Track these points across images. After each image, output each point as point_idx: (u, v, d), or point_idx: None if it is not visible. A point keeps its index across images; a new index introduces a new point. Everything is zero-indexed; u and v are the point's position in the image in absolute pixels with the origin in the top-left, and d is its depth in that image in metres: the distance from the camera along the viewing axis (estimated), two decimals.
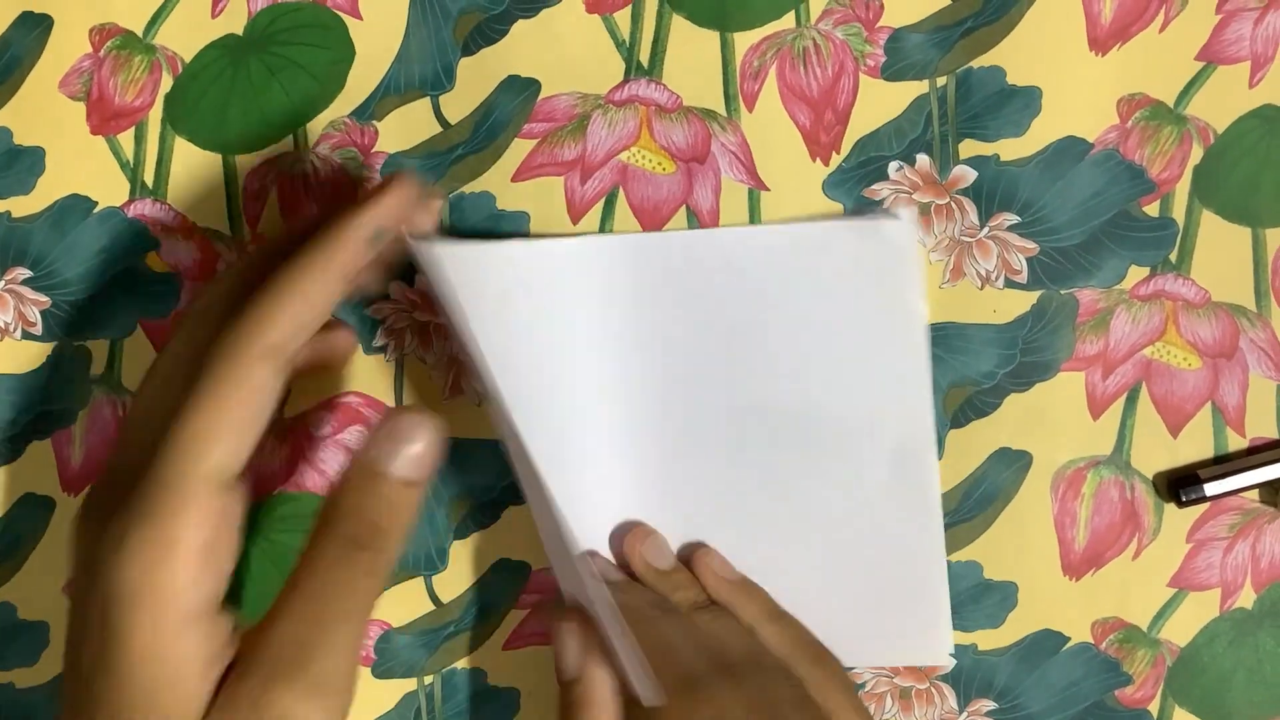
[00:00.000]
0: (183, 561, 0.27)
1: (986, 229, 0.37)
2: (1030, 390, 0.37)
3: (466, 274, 0.33)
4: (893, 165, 0.37)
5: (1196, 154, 0.37)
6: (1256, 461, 0.37)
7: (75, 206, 0.38)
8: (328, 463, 0.38)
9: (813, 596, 0.37)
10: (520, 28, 0.38)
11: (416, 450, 0.29)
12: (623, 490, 0.36)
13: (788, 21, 0.37)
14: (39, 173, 0.38)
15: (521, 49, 0.38)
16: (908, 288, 0.36)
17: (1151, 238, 0.37)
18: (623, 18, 0.38)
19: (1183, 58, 0.37)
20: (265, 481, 0.38)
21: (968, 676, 0.38)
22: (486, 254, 0.35)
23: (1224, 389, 0.37)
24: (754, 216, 0.38)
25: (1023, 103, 0.37)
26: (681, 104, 0.38)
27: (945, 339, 0.37)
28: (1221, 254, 0.37)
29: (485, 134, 0.38)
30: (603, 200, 0.38)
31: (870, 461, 0.36)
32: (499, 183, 0.38)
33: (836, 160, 0.37)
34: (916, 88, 0.37)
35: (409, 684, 0.39)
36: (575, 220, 0.38)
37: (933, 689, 0.38)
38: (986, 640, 0.38)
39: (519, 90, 0.38)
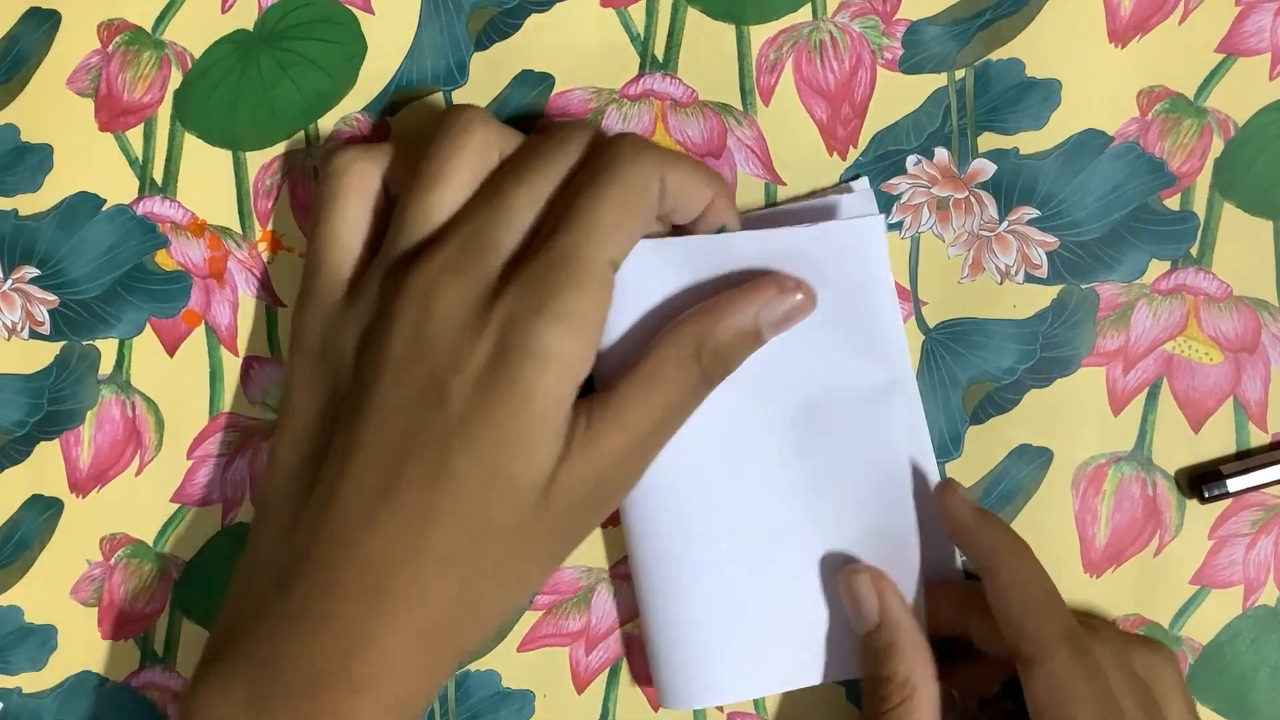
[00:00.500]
0: (593, 332, 0.31)
1: (1006, 223, 0.37)
2: (1050, 386, 0.37)
3: None
4: (911, 159, 0.37)
5: (1217, 147, 0.37)
6: (1279, 457, 0.36)
7: (83, 204, 0.38)
8: None
9: (821, 605, 0.36)
10: (534, 22, 0.37)
11: (789, 319, 0.33)
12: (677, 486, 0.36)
13: (804, 14, 0.37)
14: (46, 170, 0.38)
15: (535, 43, 0.37)
16: (882, 289, 0.35)
17: (1172, 231, 0.37)
18: (637, 11, 0.37)
19: (1203, 50, 0.37)
20: None
21: None
22: None
23: (1246, 384, 0.37)
24: (772, 203, 0.37)
25: (1042, 95, 0.37)
26: (697, 98, 0.37)
27: (964, 334, 0.37)
28: (1243, 247, 0.37)
29: None
30: None
31: (864, 465, 0.36)
32: None
33: (854, 154, 0.37)
34: (934, 81, 0.37)
35: None
36: None
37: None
38: None
39: (533, 85, 0.37)
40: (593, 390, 0.32)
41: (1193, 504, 0.37)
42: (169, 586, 0.38)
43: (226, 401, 0.38)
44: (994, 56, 0.37)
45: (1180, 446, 0.37)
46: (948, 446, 0.37)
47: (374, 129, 0.38)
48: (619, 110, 0.37)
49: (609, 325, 0.34)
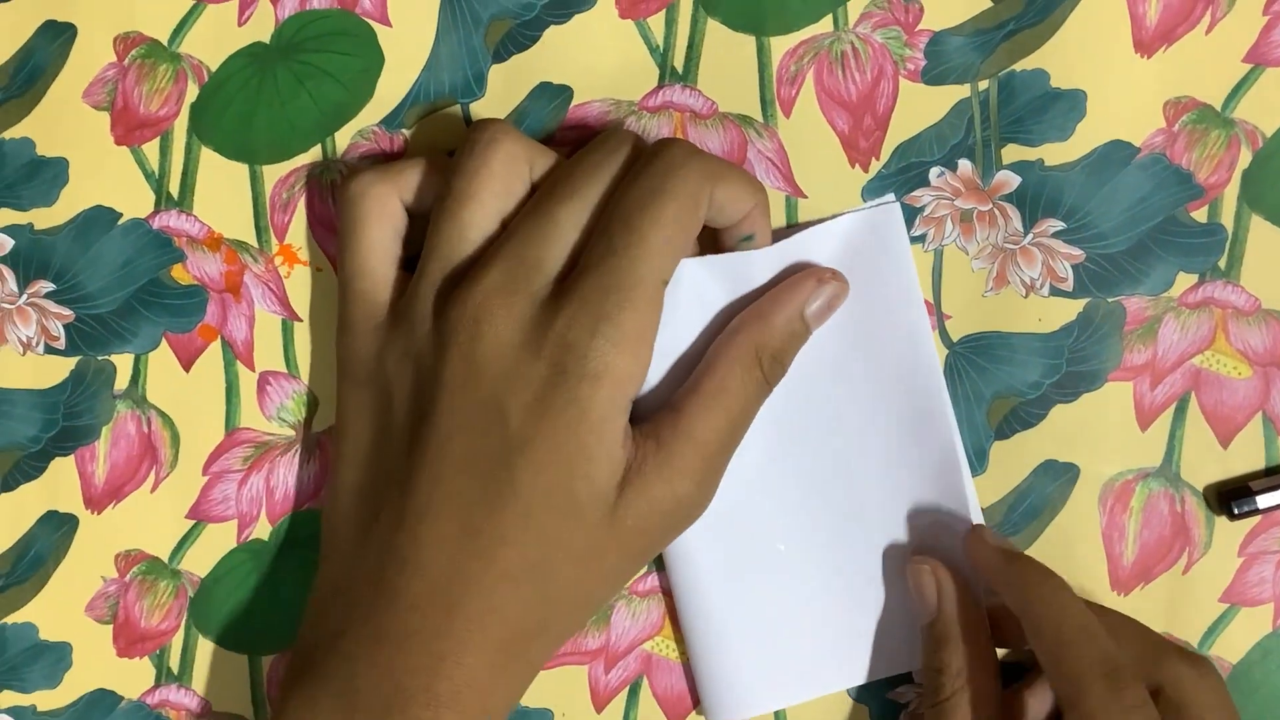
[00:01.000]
0: (647, 350, 0.31)
1: (1031, 236, 0.36)
2: (1077, 401, 0.36)
3: None
4: (934, 171, 0.37)
5: (1245, 158, 0.36)
6: None
7: (99, 218, 0.38)
8: None
9: (870, 591, 0.36)
10: (552, 34, 0.37)
11: (831, 308, 0.35)
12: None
13: (825, 25, 0.37)
14: (62, 184, 0.38)
15: (553, 55, 0.37)
16: (904, 271, 0.36)
17: (1200, 244, 0.36)
18: (656, 23, 0.37)
19: (1230, 60, 0.36)
20: (295, 497, 0.38)
21: None
22: None
23: (1275, 398, 0.36)
24: (791, 224, 0.37)
25: (1067, 106, 0.36)
26: (717, 110, 0.37)
27: (989, 349, 0.37)
28: (1272, 260, 0.36)
29: None
30: None
31: (899, 464, 0.36)
32: None
33: (876, 166, 0.37)
34: (958, 92, 0.36)
35: None
36: None
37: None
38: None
39: (551, 97, 0.37)
40: None
41: (1221, 520, 0.37)
42: (184, 604, 0.38)
43: (242, 417, 0.38)
44: (1018, 67, 0.36)
45: (1209, 462, 0.37)
46: (972, 462, 0.37)
47: (391, 142, 0.37)
48: (638, 122, 0.37)
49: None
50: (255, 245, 0.38)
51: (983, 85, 0.36)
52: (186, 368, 0.38)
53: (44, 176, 0.38)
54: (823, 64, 0.37)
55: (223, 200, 0.38)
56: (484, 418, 0.31)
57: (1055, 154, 0.36)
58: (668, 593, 0.37)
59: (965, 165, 0.36)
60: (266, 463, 0.38)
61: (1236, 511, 0.36)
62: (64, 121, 0.38)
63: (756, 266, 0.35)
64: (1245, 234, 0.36)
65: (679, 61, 0.37)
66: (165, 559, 0.38)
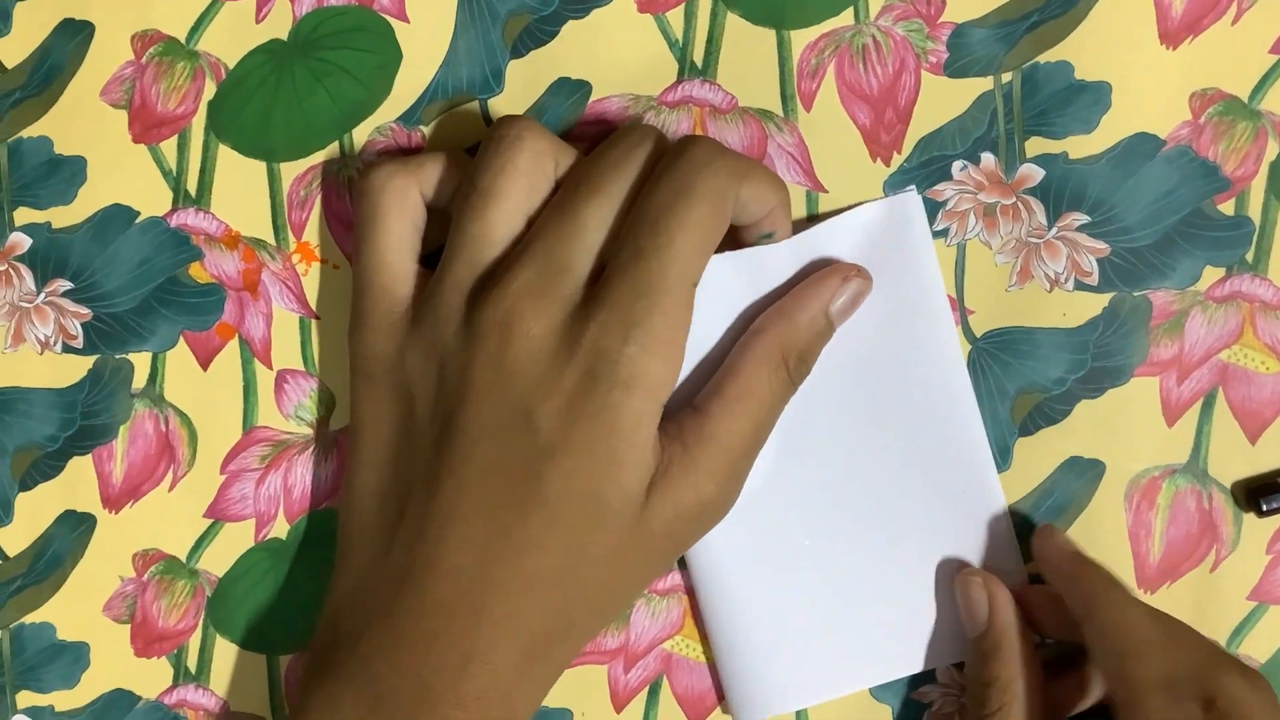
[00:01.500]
0: (679, 355, 0.31)
1: (1055, 230, 0.36)
2: (1102, 396, 0.36)
3: None
4: (956, 165, 0.36)
5: (1272, 150, 0.36)
6: None
7: (117, 217, 0.38)
8: None
9: (897, 595, 0.36)
10: (570, 29, 0.37)
11: (855, 304, 0.34)
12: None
13: (846, 18, 0.36)
14: (80, 183, 0.38)
15: (572, 51, 0.37)
16: (925, 262, 0.36)
17: (1227, 237, 0.36)
18: (675, 17, 0.37)
19: (1257, 51, 0.36)
20: (313, 495, 0.37)
21: None
22: None
23: None
24: (812, 219, 0.36)
25: (1091, 98, 0.36)
26: (737, 105, 0.37)
27: (1013, 344, 0.36)
28: None
29: None
30: None
31: (925, 459, 0.36)
32: None
33: (898, 160, 0.36)
34: (981, 84, 0.36)
35: None
36: None
37: None
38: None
39: (570, 93, 0.37)
40: None
41: (1250, 517, 0.36)
42: (202, 603, 0.38)
43: (260, 415, 0.38)
44: (1042, 59, 0.36)
45: (1237, 458, 0.36)
46: (996, 459, 0.36)
47: (409, 139, 0.37)
48: (657, 117, 0.37)
49: None
50: (273, 243, 0.37)
51: (1006, 78, 0.36)
52: (204, 366, 0.38)
53: (62, 175, 0.38)
54: (844, 57, 0.36)
55: (240, 198, 0.37)
56: (513, 422, 0.31)
57: (1080, 147, 0.36)
58: (688, 591, 0.37)
59: (988, 159, 0.36)
60: (284, 461, 0.38)
61: (1265, 508, 0.35)
62: (82, 120, 0.37)
63: (778, 260, 0.34)
64: (1273, 227, 0.36)
65: (698, 56, 0.37)
66: (183, 558, 0.38)
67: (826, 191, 0.36)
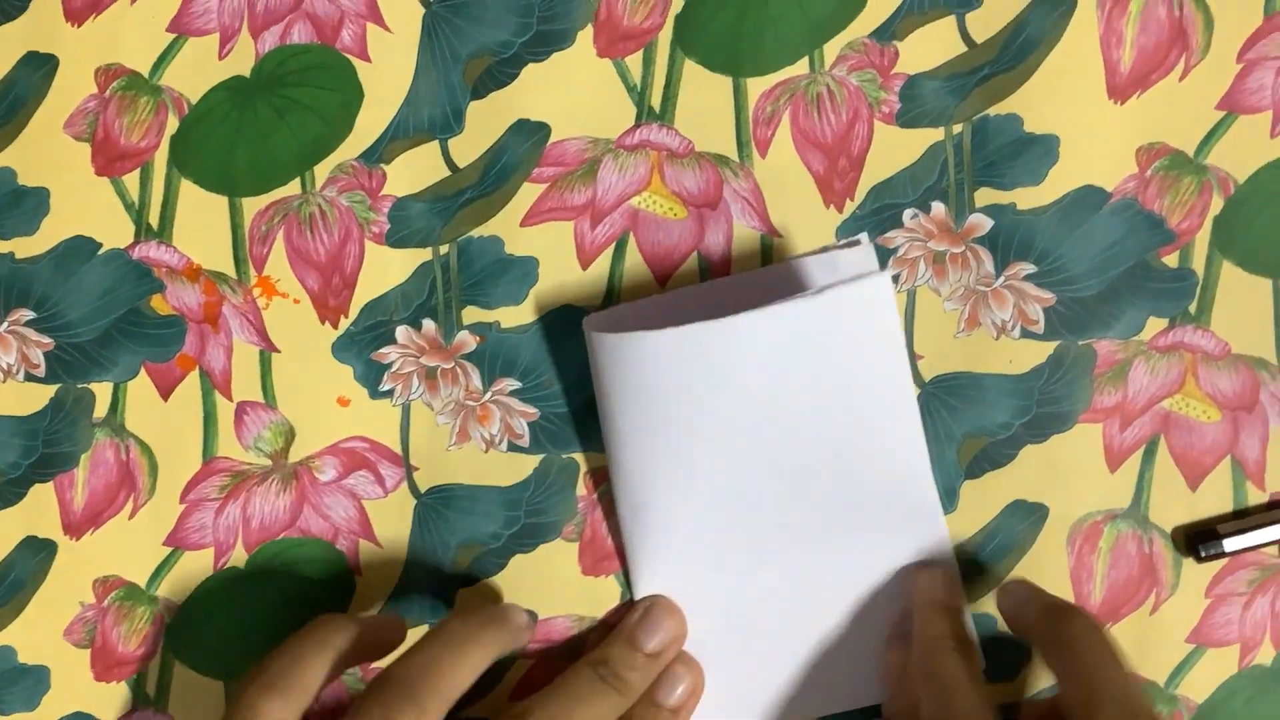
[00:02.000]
0: None
1: (1002, 278, 0.37)
2: (1047, 442, 0.37)
3: (617, 358, 0.35)
4: (907, 213, 0.37)
5: (1217, 204, 0.36)
6: (1277, 516, 0.36)
7: (79, 248, 0.38)
8: (333, 508, 0.38)
9: (845, 646, 0.37)
10: (530, 71, 0.37)
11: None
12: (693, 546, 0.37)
13: (801, 67, 0.37)
14: (43, 214, 0.38)
15: (532, 93, 0.37)
16: (891, 346, 0.35)
17: (1171, 288, 0.37)
18: (634, 62, 0.37)
19: (1203, 107, 0.36)
20: (271, 525, 0.38)
21: None
22: (630, 342, 0.35)
23: (1244, 442, 0.37)
24: (766, 263, 0.37)
25: (1040, 151, 0.36)
26: (693, 149, 0.37)
27: (960, 389, 0.37)
28: (1242, 306, 0.36)
29: (494, 178, 0.37)
30: (613, 245, 0.37)
31: (879, 516, 0.36)
32: (508, 227, 0.37)
33: (850, 207, 0.37)
34: (932, 135, 0.37)
35: (424, 254, 0.38)
36: (585, 265, 0.37)
37: None
38: (1002, 694, 0.37)
39: (529, 134, 0.37)
40: None
41: (1189, 562, 0.37)
42: (161, 629, 0.38)
43: (220, 446, 0.38)
44: (992, 112, 0.36)
45: (1177, 504, 0.37)
46: (942, 501, 0.37)
47: (370, 176, 0.37)
48: (615, 160, 0.37)
49: (628, 412, 0.35)
50: (234, 276, 0.38)
51: (957, 129, 0.37)
52: (165, 397, 0.38)
53: (25, 206, 0.38)
54: (799, 105, 0.37)
55: (202, 232, 0.38)
56: None
57: (1028, 198, 0.36)
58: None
59: (939, 208, 0.37)
60: (243, 492, 0.38)
61: (1204, 554, 0.36)
62: (46, 152, 0.38)
63: (743, 332, 0.33)
64: (1216, 279, 0.37)
65: (656, 100, 0.37)
66: (143, 585, 0.38)
67: (781, 236, 0.37)
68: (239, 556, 0.38)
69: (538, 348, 0.37)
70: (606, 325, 0.36)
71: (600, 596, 0.38)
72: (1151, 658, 0.37)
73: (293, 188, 0.38)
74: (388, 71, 0.37)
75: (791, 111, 0.37)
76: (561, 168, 0.37)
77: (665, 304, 0.37)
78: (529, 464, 0.37)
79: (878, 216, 0.37)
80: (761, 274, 0.37)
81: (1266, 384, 0.37)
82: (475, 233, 0.37)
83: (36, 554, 0.38)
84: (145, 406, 0.38)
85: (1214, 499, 0.37)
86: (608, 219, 0.37)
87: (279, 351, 0.38)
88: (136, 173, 0.38)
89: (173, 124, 0.38)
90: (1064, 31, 0.36)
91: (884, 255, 0.37)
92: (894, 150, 0.37)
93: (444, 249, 0.37)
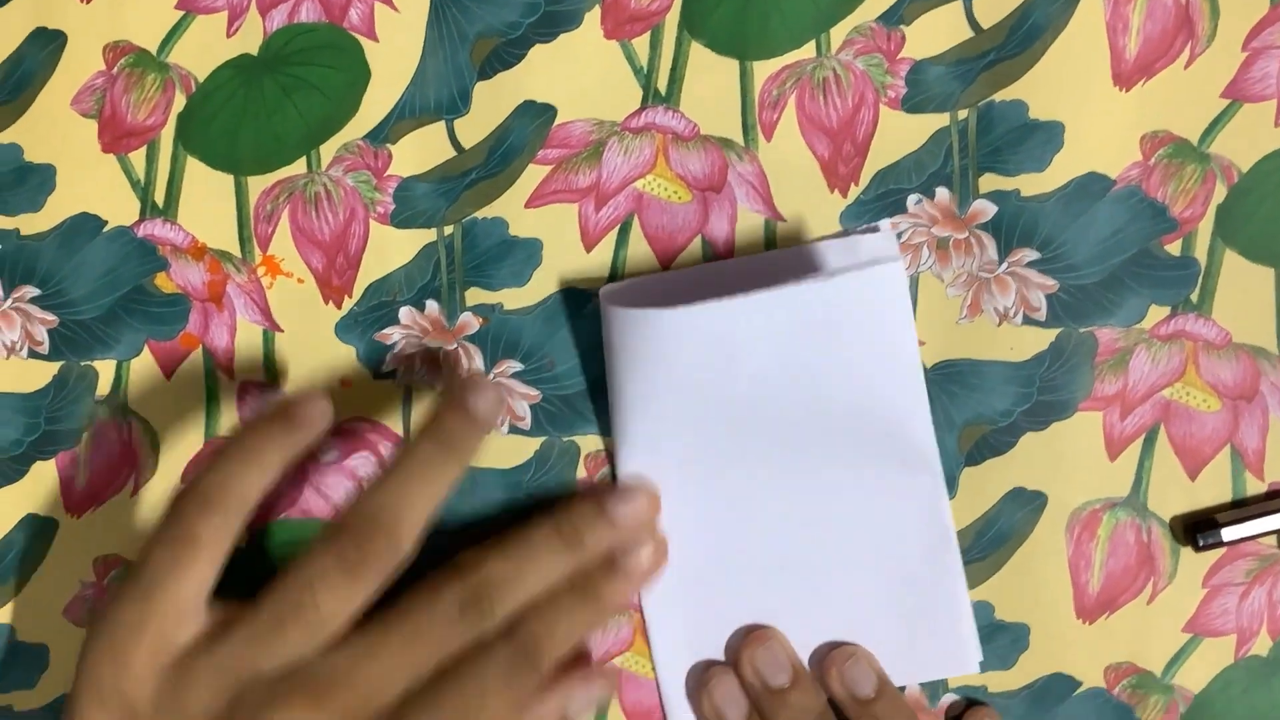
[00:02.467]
0: None
1: (1005, 265, 0.37)
2: (1047, 429, 0.37)
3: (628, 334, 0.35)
4: (911, 198, 0.37)
5: (1220, 193, 0.37)
6: (1275, 507, 0.36)
7: (85, 225, 0.38)
8: (333, 489, 0.38)
9: (845, 625, 0.37)
10: (537, 53, 0.37)
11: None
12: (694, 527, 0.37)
13: (808, 51, 0.37)
14: (49, 190, 0.38)
15: (538, 74, 0.37)
16: (902, 334, 0.35)
17: (1173, 277, 0.37)
18: (641, 44, 0.37)
19: (1208, 95, 0.36)
20: (271, 507, 0.38)
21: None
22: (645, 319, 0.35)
23: (1244, 432, 0.37)
24: (770, 247, 0.37)
25: (1045, 138, 0.36)
26: (699, 132, 0.37)
27: (961, 376, 0.37)
28: (1243, 295, 0.37)
29: (500, 159, 0.37)
30: (617, 228, 0.37)
31: (882, 489, 0.36)
32: (513, 209, 0.37)
33: (855, 192, 0.37)
34: (937, 120, 0.37)
35: (428, 234, 0.38)
36: (589, 248, 0.37)
37: None
38: (997, 682, 0.37)
39: (535, 116, 0.37)
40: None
41: (1187, 552, 0.37)
42: None
43: (222, 425, 0.38)
44: (997, 97, 0.37)
45: (1176, 493, 0.37)
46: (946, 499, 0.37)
47: (376, 156, 0.38)
48: (620, 143, 0.37)
49: (640, 394, 0.35)
50: (238, 255, 0.38)
51: (962, 114, 0.37)
52: (168, 375, 0.38)
53: (31, 182, 0.38)
54: (804, 89, 0.37)
55: (207, 210, 0.38)
56: None
57: (1032, 184, 0.37)
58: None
59: (943, 193, 0.37)
60: None
61: (1202, 543, 0.36)
62: (52, 128, 0.38)
63: (758, 310, 0.34)
64: (1218, 268, 0.37)
65: (662, 83, 0.37)
66: None
67: (784, 220, 0.37)
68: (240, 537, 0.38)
69: (540, 330, 0.37)
70: (621, 298, 0.36)
71: None
72: (1148, 647, 0.37)
73: (298, 167, 0.38)
74: (395, 51, 0.37)
75: (797, 95, 0.37)
76: (567, 150, 0.37)
77: (681, 280, 0.37)
78: (530, 446, 0.38)
79: (882, 202, 0.37)
80: (779, 255, 0.37)
81: (1267, 373, 0.37)
82: (480, 214, 0.37)
83: (37, 532, 0.38)
84: (148, 385, 0.38)
85: (1213, 488, 0.37)
86: (612, 201, 0.37)
87: (282, 331, 0.38)
88: (143, 150, 0.38)
89: (180, 102, 0.38)
90: (1070, 18, 0.36)
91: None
92: (899, 135, 0.37)
93: (448, 230, 0.37)
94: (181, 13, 0.38)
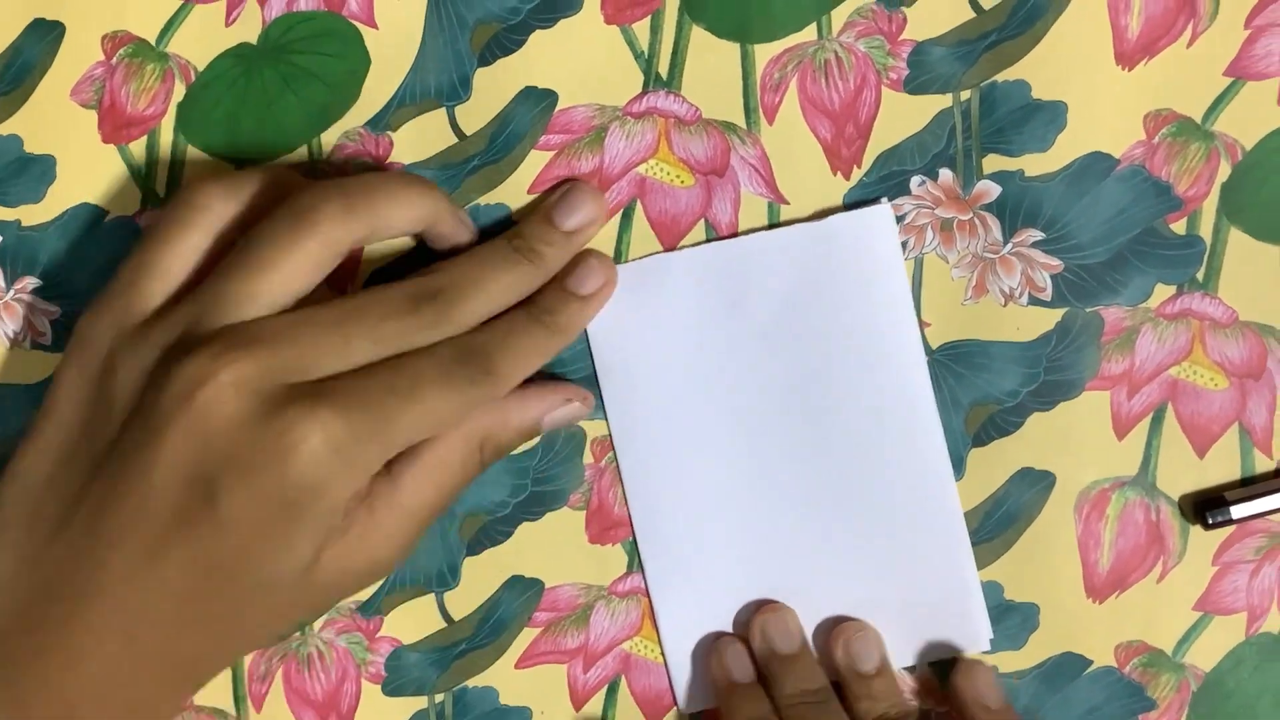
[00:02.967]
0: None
1: (1010, 245, 0.37)
2: (1054, 409, 0.37)
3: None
4: (915, 180, 0.37)
5: (1224, 171, 0.36)
6: None
7: (86, 216, 0.38)
8: None
9: (853, 604, 0.37)
10: (538, 38, 0.37)
11: (569, 420, 0.37)
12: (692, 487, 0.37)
13: (809, 33, 0.37)
14: (49, 181, 0.38)
15: (539, 60, 0.37)
16: (893, 274, 0.36)
17: (1178, 255, 0.37)
18: (642, 29, 0.37)
19: (1211, 73, 0.36)
20: None
21: None
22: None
23: (1251, 410, 0.37)
24: (774, 224, 0.37)
25: (1048, 117, 0.36)
26: (701, 116, 0.37)
27: (968, 356, 0.37)
28: (1250, 272, 0.36)
29: (501, 145, 0.37)
30: (620, 212, 0.37)
31: (887, 459, 0.37)
32: (515, 195, 0.37)
33: (858, 174, 0.37)
34: (940, 101, 0.37)
35: (419, 702, 0.38)
36: None
37: None
38: (1008, 662, 0.37)
39: (536, 101, 0.37)
40: None
41: (1196, 530, 0.37)
42: None
43: None
44: (1000, 78, 0.36)
45: (1184, 472, 0.37)
46: (950, 468, 0.37)
47: (377, 144, 0.37)
48: (622, 128, 0.37)
49: (632, 336, 0.36)
50: None
51: (964, 95, 0.37)
52: None
53: (32, 173, 0.38)
54: (806, 72, 0.37)
55: None
56: (193, 487, 0.30)
57: (1036, 164, 0.36)
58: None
59: (946, 174, 0.37)
60: None
61: (1211, 521, 0.36)
62: (52, 119, 0.38)
63: (746, 252, 0.36)
64: (1224, 246, 0.37)
65: (664, 67, 0.37)
66: None
67: (788, 203, 0.37)
68: None
69: None
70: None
71: (607, 565, 0.38)
72: (1159, 626, 0.37)
73: (299, 155, 0.38)
74: (395, 38, 0.37)
75: (799, 78, 0.37)
76: (569, 135, 0.37)
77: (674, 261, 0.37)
78: None
79: (885, 184, 0.37)
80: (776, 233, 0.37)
81: (1274, 351, 0.37)
82: (482, 200, 0.37)
83: None
84: None
85: (1221, 466, 0.37)
86: (615, 186, 0.37)
87: None
88: (143, 140, 0.38)
89: (179, 91, 0.38)
90: None
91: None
92: (901, 117, 0.37)
93: None
94: (180, 2, 0.38)
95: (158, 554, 0.30)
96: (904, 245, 0.37)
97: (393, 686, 0.38)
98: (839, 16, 0.37)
